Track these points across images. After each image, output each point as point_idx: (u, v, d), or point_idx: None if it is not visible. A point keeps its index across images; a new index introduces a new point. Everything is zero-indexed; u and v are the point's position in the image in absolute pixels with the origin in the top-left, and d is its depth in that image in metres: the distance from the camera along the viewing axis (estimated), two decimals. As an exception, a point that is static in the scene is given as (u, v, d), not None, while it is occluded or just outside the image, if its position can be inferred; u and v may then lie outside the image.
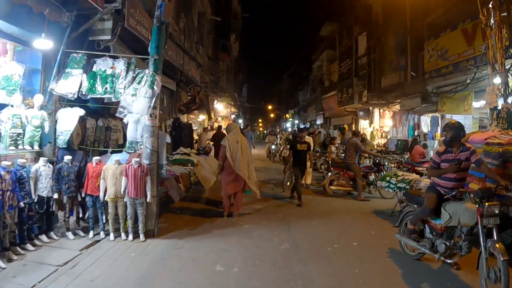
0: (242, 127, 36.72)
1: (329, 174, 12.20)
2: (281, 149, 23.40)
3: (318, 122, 34.97)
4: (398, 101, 17.08)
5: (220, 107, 24.46)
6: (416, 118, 16.88)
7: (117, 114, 6.68)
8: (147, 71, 6.60)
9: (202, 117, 19.10)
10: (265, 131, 58.92)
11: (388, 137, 19.26)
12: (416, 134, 16.72)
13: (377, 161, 12.40)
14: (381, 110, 19.45)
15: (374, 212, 9.57)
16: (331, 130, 23.30)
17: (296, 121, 49.01)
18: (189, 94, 14.75)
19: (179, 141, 13.49)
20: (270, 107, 67.39)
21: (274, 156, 23.35)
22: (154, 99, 6.50)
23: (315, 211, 9.65)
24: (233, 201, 8.86)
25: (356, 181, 11.20)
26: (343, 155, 13.11)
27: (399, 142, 16.66)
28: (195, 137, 16.91)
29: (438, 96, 14.35)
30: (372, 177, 11.82)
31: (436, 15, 14.51)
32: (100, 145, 7.96)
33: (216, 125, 25.63)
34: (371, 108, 19.72)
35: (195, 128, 17.94)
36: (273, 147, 24.59)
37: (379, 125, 19.69)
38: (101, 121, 8.08)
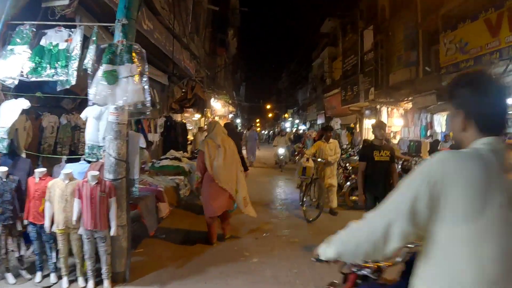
0: (239, 128, 35.94)
1: (349, 182, 10.50)
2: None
3: (319, 121, 33.77)
4: (410, 98, 15.88)
5: (218, 105, 23.14)
6: (429, 117, 15.76)
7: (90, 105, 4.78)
8: (117, 41, 4.76)
9: (197, 115, 17.68)
10: (262, 131, 57.50)
11: (397, 137, 18.10)
12: (428, 134, 15.62)
13: (406, 166, 10.40)
14: (389, 109, 18.25)
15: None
16: (338, 130, 21.89)
17: (297, 121, 47.83)
18: (183, 90, 13.48)
19: (171, 143, 12.31)
20: (268, 106, 66.14)
21: (284, 163, 19.57)
22: (144, 83, 4.75)
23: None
24: (221, 223, 7.03)
25: None
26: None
27: (412, 143, 15.46)
28: (191, 138, 15.68)
29: (454, 93, 13.21)
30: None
31: (452, 6, 13.34)
32: (64, 149, 6.19)
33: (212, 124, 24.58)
34: (378, 106, 18.51)
35: (190, 128, 16.64)
36: (281, 151, 19.62)
37: (388, 124, 18.43)
38: (64, 118, 6.28)
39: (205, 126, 21.97)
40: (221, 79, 24.74)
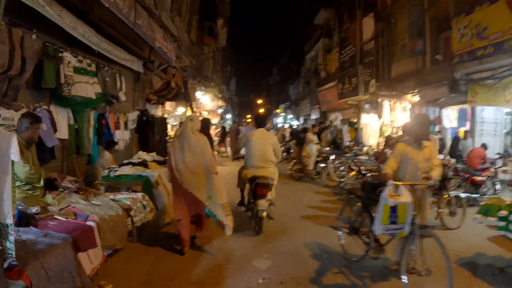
0: (231, 123, 34.33)
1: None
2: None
3: (313, 117, 32.44)
4: (416, 91, 14.48)
5: (206, 99, 21.52)
6: (437, 111, 14.40)
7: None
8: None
9: (181, 109, 15.96)
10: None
11: (400, 133, 16.69)
12: (436, 130, 14.26)
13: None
14: (392, 102, 16.85)
15: (460, 263, 5.47)
16: (339, 125, 20.38)
17: (290, 116, 46.27)
18: (164, 80, 11.97)
19: (148, 142, 10.85)
20: (260, 101, 64.60)
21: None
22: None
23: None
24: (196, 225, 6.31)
25: None
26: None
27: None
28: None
29: (468, 85, 11.90)
30: None
31: (466, -13, 11.98)
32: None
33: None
34: (380, 99, 17.10)
35: (175, 123, 14.95)
36: (314, 148, 13.96)
37: (390, 119, 17.04)
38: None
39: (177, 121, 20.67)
40: (209, 70, 22.97)
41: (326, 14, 28.85)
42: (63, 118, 6.72)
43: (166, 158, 8.97)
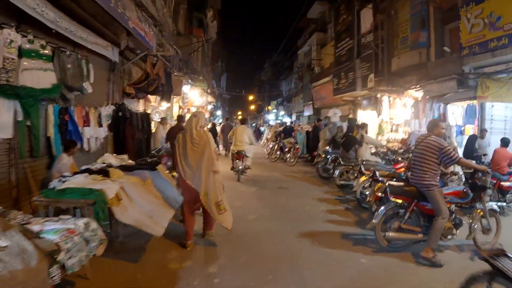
0: (220, 121, 33.13)
1: (383, 208, 6.02)
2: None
3: (306, 113, 31.45)
4: (419, 86, 13.48)
5: (195, 94, 20.31)
6: (442, 108, 13.43)
7: None
8: None
9: (165, 104, 14.68)
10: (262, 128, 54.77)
11: (400, 131, 15.75)
12: (441, 128, 13.26)
13: (478, 180, 5.85)
14: (391, 98, 15.86)
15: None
16: (338, 122, 19.21)
17: (282, 112, 45.17)
18: (147, 71, 10.83)
19: (124, 141, 9.74)
20: (251, 97, 63.50)
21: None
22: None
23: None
24: (204, 220, 6.38)
25: (435, 222, 5.62)
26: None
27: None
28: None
29: (478, 79, 10.95)
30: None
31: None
32: None
33: (187, 116, 21.73)
34: (379, 95, 16.10)
35: (159, 120, 13.78)
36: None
37: (389, 116, 16.04)
38: None
39: (172, 118, 19.39)
40: (197, 64, 21.71)
41: (321, 7, 27.91)
42: (7, 112, 5.36)
43: (148, 160, 8.21)
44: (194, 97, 20.86)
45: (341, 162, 11.64)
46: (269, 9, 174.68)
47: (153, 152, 9.90)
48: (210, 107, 33.04)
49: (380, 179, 7.49)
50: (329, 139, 14.42)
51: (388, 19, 16.31)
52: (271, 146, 20.80)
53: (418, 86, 13.53)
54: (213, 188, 5.88)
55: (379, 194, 6.72)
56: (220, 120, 44.47)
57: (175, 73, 14.03)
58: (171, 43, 13.14)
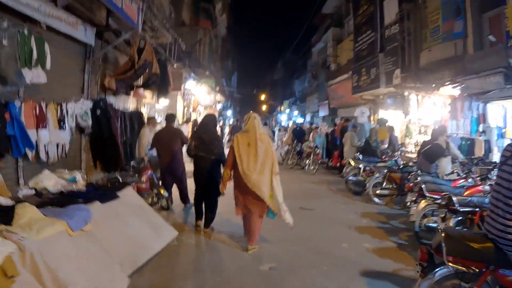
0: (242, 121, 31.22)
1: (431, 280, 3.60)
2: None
3: (322, 113, 29.78)
4: (455, 82, 11.79)
5: (200, 91, 18.68)
6: (481, 107, 11.76)
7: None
8: None
9: (164, 101, 12.50)
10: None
11: (429, 132, 14.05)
12: (480, 129, 11.64)
13: None
14: (419, 96, 14.19)
15: None
16: (366, 123, 17.28)
17: (296, 112, 43.43)
18: (128, 57, 9.12)
19: (103, 148, 8.17)
20: (263, 96, 62.10)
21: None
22: None
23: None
24: (248, 228, 6.25)
25: None
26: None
27: (463, 142, 11.46)
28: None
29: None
30: None
31: None
32: None
33: (194, 116, 20.11)
34: (406, 93, 14.40)
35: (160, 121, 11.99)
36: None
37: (417, 117, 14.35)
38: None
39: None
40: (204, 58, 20.02)
41: (336, 1, 26.24)
42: None
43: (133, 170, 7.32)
44: (201, 95, 19.28)
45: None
46: (282, 6, 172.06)
47: (133, 163, 8.22)
48: (219, 106, 31.54)
49: (458, 208, 5.50)
50: (358, 144, 12.67)
51: (415, 8, 14.62)
52: (286, 149, 18.94)
53: (455, 82, 11.81)
54: (278, 190, 6.01)
55: (426, 251, 3.67)
56: (231, 121, 43.15)
57: (175, 65, 12.23)
58: (167, 26, 11.11)
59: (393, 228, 7.76)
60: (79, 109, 7.35)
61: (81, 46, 7.99)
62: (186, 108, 17.61)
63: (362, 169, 10.94)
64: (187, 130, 15.75)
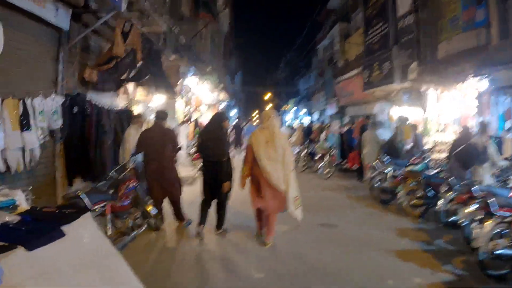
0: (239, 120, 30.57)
1: None
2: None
3: (329, 112, 28.73)
4: (472, 75, 10.83)
5: (203, 89, 17.64)
6: (509, 101, 10.75)
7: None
8: None
9: (160, 97, 11.07)
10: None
11: (448, 131, 13.05)
12: (507, 126, 10.63)
13: None
14: (438, 91, 13.20)
15: None
16: (386, 121, 16.06)
17: (304, 109, 42.25)
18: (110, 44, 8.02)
19: (84, 153, 7.22)
20: (269, 94, 61.21)
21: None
22: None
23: None
24: (264, 223, 6.46)
25: None
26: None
27: (492, 140, 10.46)
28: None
29: None
30: None
31: None
32: None
33: (196, 115, 19.11)
34: (423, 88, 13.41)
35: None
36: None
37: (437, 113, 13.33)
38: None
39: (186, 118, 16.78)
40: (205, 53, 18.90)
41: (343, -5, 25.39)
42: None
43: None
44: (203, 92, 18.28)
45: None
46: (284, 4, 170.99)
47: (111, 173, 6.20)
48: (223, 104, 30.56)
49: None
50: (380, 145, 11.59)
51: (432, -4, 13.67)
52: (297, 151, 17.26)
53: (480, 74, 10.81)
54: (293, 185, 6.16)
55: None
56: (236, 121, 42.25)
57: (173, 58, 11.08)
58: (161, 12, 9.78)
59: (442, 251, 6.31)
60: (49, 106, 6.27)
61: (54, 31, 6.87)
62: (188, 107, 16.60)
63: (390, 174, 9.49)
64: (186, 131, 14.73)
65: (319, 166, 14.52)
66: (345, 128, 17.18)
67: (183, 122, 15.28)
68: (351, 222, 7.94)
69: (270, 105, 64.81)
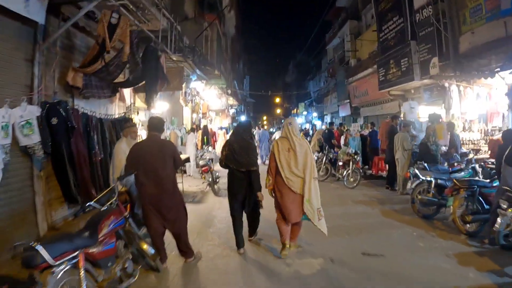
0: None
1: None
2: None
3: (342, 114, 27.84)
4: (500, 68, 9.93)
5: (210, 94, 16.86)
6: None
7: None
8: None
9: (163, 105, 10.10)
10: (271, 129, 50.63)
11: (474, 128, 12.15)
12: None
13: None
14: (461, 87, 12.28)
15: None
16: (415, 120, 14.79)
17: (315, 114, 41.31)
18: (96, 39, 6.89)
19: (62, 174, 6.22)
20: (277, 99, 60.47)
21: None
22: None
23: None
24: (287, 233, 6.15)
25: None
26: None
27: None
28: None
29: None
30: None
31: None
32: None
33: (204, 122, 18.30)
34: (446, 84, 12.49)
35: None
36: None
37: (461, 111, 12.40)
38: None
39: (195, 125, 15.97)
40: (212, 56, 18.02)
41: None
42: None
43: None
44: (211, 98, 17.46)
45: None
46: (291, 6, 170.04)
47: (93, 203, 4.64)
48: (232, 111, 29.74)
49: None
50: (411, 147, 10.64)
51: (450, -14, 12.75)
52: (315, 158, 15.27)
53: (510, 67, 9.89)
54: (315, 195, 5.97)
55: None
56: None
57: (175, 58, 10.11)
58: (160, 5, 8.53)
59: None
60: (18, 117, 5.29)
61: (26, 25, 5.84)
62: (195, 114, 15.77)
63: (433, 183, 8.17)
64: (194, 140, 13.76)
65: (343, 174, 13.06)
66: (366, 130, 16.22)
67: (192, 130, 14.41)
68: (400, 249, 6.47)
69: (279, 109, 64.28)
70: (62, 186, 6.39)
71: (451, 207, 7.40)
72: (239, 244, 6.25)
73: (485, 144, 11.54)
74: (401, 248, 6.54)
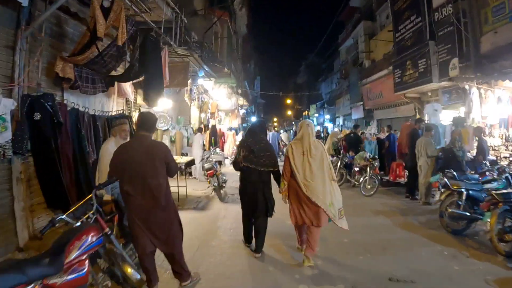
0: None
1: None
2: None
3: (355, 116, 27.24)
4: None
5: (220, 94, 16.39)
6: None
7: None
8: None
9: (167, 102, 9.53)
10: (281, 131, 50.05)
11: (495, 133, 11.56)
12: None
13: None
14: (482, 90, 11.71)
15: None
16: (439, 123, 13.85)
17: (327, 116, 40.69)
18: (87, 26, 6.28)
19: (46, 176, 5.65)
20: (288, 101, 59.95)
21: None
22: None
23: None
24: (308, 237, 5.90)
25: None
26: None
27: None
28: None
29: None
30: None
31: None
32: None
33: (213, 122, 17.79)
34: (467, 86, 11.91)
35: (165, 128, 9.47)
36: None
37: (482, 115, 11.83)
38: None
39: (202, 125, 15.50)
40: (222, 54, 17.49)
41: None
42: None
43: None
44: (221, 97, 16.97)
45: None
46: (303, 7, 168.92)
47: (62, 216, 3.77)
48: (242, 111, 29.26)
49: None
50: (435, 154, 9.75)
51: (471, -16, 12.18)
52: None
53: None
54: (336, 197, 5.81)
55: None
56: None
57: (180, 50, 9.49)
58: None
59: None
60: None
61: (7, 8, 5.23)
62: (204, 113, 15.28)
63: (464, 194, 7.36)
64: (201, 141, 13.17)
65: (359, 181, 12.26)
66: (382, 134, 15.56)
67: (199, 130, 13.91)
68: (432, 274, 5.62)
69: (290, 111, 63.79)
70: (44, 190, 5.76)
71: (487, 223, 6.67)
72: (249, 240, 6.41)
73: (505, 150, 11.00)
74: (434, 272, 5.71)
